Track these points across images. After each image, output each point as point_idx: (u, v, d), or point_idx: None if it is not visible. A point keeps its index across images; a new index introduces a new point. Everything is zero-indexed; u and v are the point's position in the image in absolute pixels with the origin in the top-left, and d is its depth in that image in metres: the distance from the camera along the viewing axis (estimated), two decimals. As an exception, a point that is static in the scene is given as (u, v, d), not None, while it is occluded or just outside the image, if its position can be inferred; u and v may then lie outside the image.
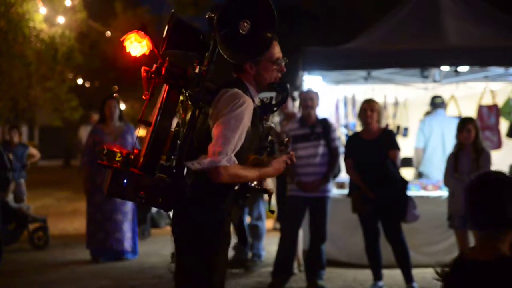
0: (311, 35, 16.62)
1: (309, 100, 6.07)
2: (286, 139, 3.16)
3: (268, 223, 9.87)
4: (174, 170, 2.87)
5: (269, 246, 7.34)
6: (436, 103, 7.82)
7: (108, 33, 19.61)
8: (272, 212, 3.18)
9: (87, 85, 23.47)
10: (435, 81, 8.13)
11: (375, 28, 8.22)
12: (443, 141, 7.68)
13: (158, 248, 7.95)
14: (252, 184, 3.05)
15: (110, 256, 7.28)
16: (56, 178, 19.32)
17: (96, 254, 7.28)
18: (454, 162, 5.79)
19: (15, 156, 8.29)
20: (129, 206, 7.30)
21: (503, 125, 8.17)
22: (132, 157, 2.91)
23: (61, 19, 12.99)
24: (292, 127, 6.15)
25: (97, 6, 18.36)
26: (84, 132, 12.04)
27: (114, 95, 8.19)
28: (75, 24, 13.94)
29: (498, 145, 8.04)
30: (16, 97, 14.41)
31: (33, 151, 8.97)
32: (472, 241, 5.80)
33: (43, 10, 11.91)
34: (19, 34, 11.48)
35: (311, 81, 7.42)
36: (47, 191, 15.53)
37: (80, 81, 20.71)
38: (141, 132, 3.23)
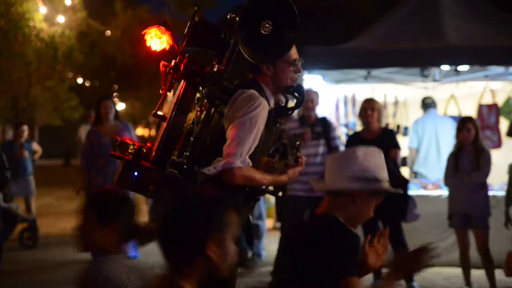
0: (311, 34, 16.60)
1: (309, 102, 6.07)
2: (298, 143, 3.16)
3: (268, 223, 9.87)
4: (185, 167, 2.86)
5: (269, 245, 7.34)
6: (427, 103, 7.90)
7: (108, 32, 19.58)
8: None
9: (87, 84, 23.46)
10: (435, 80, 8.13)
11: (375, 27, 8.22)
12: (437, 140, 7.70)
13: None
14: (263, 186, 3.04)
15: None
16: (56, 177, 19.30)
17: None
18: (454, 162, 5.78)
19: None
20: None
21: (503, 124, 8.17)
22: (145, 150, 2.91)
23: (61, 19, 12.98)
24: (292, 126, 6.15)
25: (97, 5, 18.33)
26: (84, 131, 12.02)
27: (114, 94, 8.22)
28: (75, 24, 13.92)
29: (498, 144, 8.04)
30: (16, 97, 14.41)
31: (36, 146, 9.17)
32: (472, 240, 5.79)
33: (43, 10, 11.90)
34: (19, 33, 11.47)
35: (311, 80, 7.42)
36: (47, 190, 15.51)
37: (80, 80, 20.69)
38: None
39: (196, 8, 3.08)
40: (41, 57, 13.07)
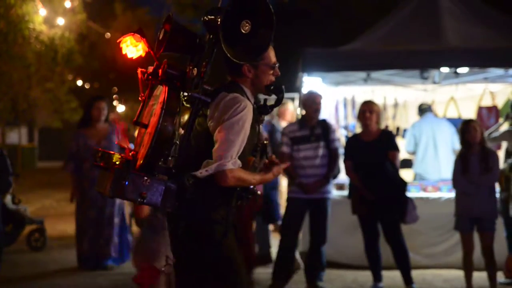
0: (311, 36, 16.64)
1: (318, 104, 6.08)
2: (265, 141, 3.22)
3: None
4: (173, 171, 2.90)
5: (269, 247, 7.33)
6: (423, 109, 7.96)
7: (108, 35, 19.63)
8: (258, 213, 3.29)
9: (86, 86, 23.47)
10: (434, 82, 8.14)
11: (374, 29, 8.23)
12: (434, 141, 7.72)
13: (158, 249, 7.94)
14: (251, 186, 3.10)
15: (94, 262, 6.91)
16: (55, 179, 19.30)
17: (82, 262, 6.97)
18: (462, 163, 5.72)
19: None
20: (112, 211, 6.93)
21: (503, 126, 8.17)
22: (131, 158, 2.93)
23: (60, 21, 13.01)
24: (292, 129, 6.15)
25: (97, 7, 18.38)
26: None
27: (114, 96, 8.17)
28: (75, 26, 13.96)
29: (497, 146, 8.04)
30: (16, 98, 14.43)
31: None
32: (478, 243, 5.75)
33: (42, 12, 11.93)
34: (19, 35, 11.50)
35: (310, 82, 7.42)
36: (46, 192, 15.53)
37: (79, 82, 20.72)
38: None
39: (169, 14, 3.12)
40: (41, 59, 13.11)
